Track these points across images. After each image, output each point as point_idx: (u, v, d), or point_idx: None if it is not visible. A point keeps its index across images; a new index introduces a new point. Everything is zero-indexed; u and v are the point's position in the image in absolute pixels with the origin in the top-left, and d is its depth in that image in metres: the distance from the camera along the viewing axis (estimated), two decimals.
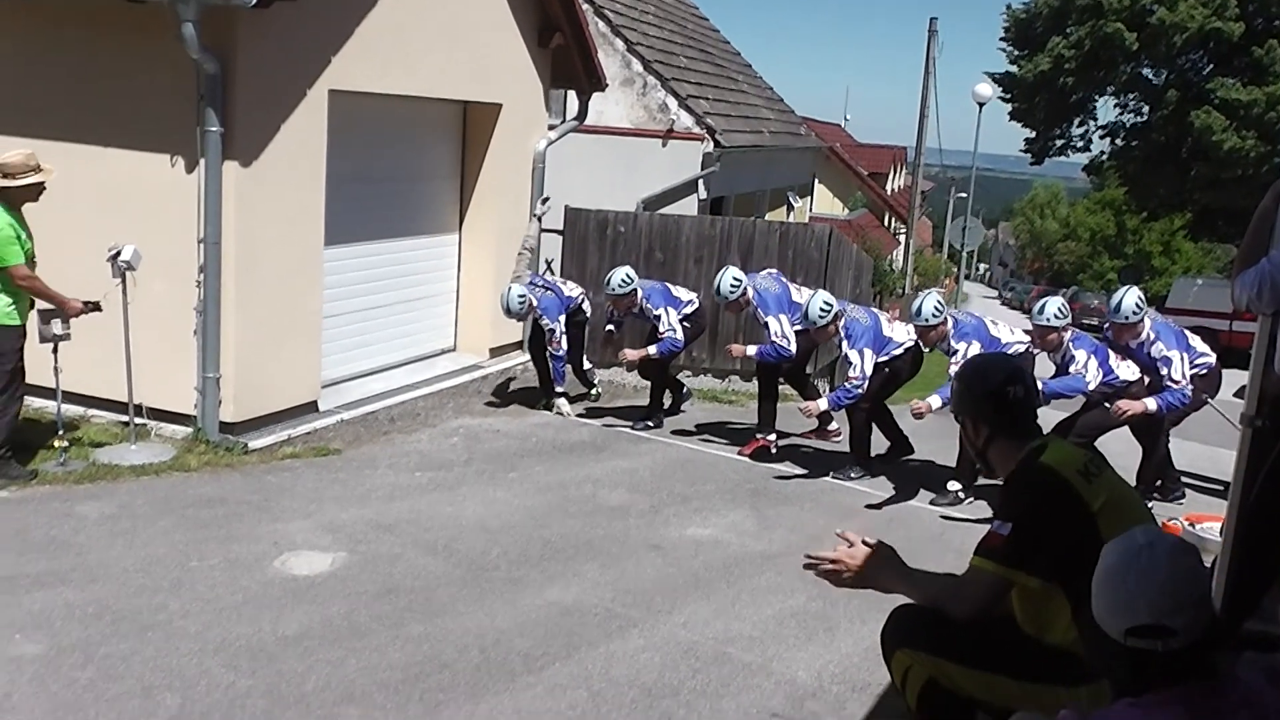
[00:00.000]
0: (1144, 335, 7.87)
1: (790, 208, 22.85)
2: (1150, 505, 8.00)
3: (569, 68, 11.76)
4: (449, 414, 9.46)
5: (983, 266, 76.76)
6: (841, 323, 8.17)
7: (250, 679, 4.54)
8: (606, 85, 12.61)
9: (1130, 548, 2.29)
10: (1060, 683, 3.06)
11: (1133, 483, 8.10)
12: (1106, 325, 8.10)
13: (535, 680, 4.69)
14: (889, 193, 42.93)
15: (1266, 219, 3.54)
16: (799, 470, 8.61)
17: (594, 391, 10.44)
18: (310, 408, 8.70)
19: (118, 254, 7.09)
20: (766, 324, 8.63)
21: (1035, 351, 7.94)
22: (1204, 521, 7.52)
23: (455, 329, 11.25)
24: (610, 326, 9.92)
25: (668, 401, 10.01)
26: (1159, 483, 8.55)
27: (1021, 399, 3.37)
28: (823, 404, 8.15)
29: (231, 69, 7.47)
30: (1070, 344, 7.76)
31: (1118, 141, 37.05)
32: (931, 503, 7.95)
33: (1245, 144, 30.76)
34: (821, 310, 8.12)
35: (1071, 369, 7.70)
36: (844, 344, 8.13)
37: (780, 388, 9.23)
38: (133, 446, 7.42)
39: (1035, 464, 3.18)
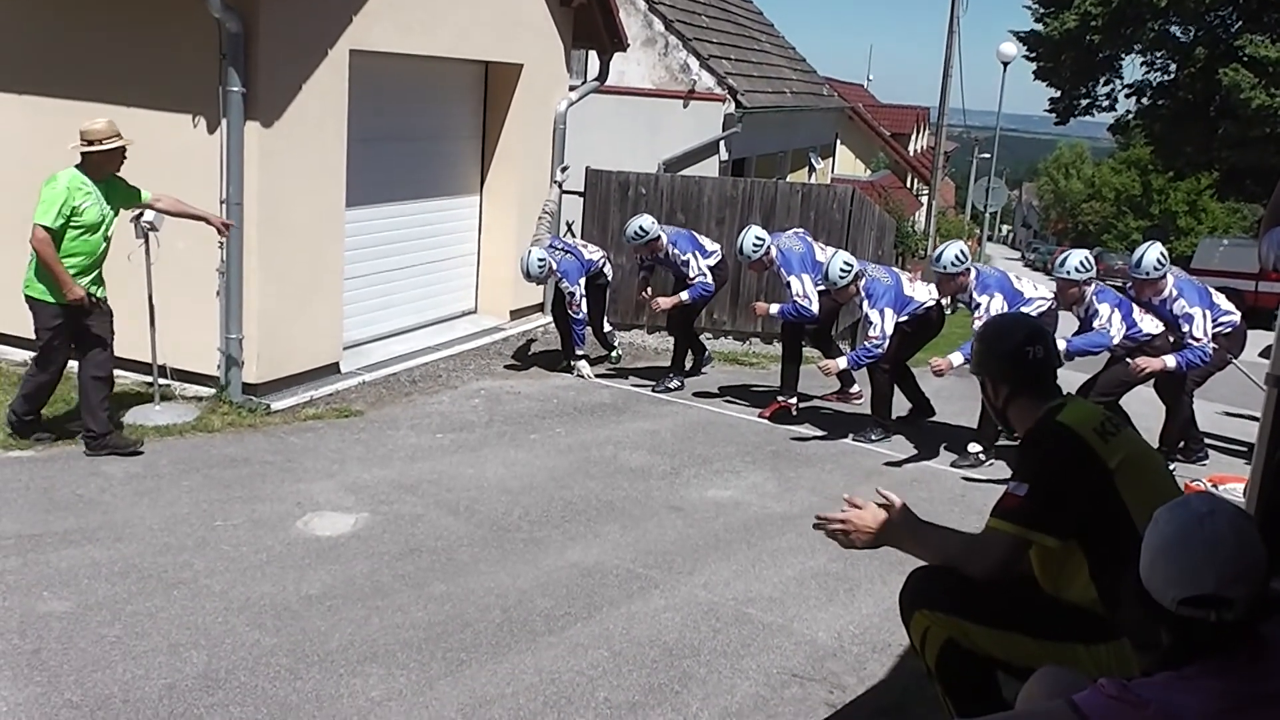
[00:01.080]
0: (1166, 292, 7.79)
1: (812, 169, 22.71)
2: (1173, 466, 8.04)
3: (590, 27, 11.68)
4: (470, 376, 9.47)
5: (1006, 228, 76.18)
6: (862, 283, 8.13)
7: (275, 637, 4.58)
8: (628, 45, 12.52)
9: (1190, 516, 2.21)
10: (1079, 640, 3.05)
11: (1156, 444, 8.09)
12: (1129, 283, 8.03)
13: (557, 640, 4.71)
14: (912, 154, 42.55)
15: None
16: (819, 432, 8.60)
17: (614, 354, 10.43)
18: (332, 369, 8.72)
19: (140, 214, 7.11)
20: (789, 283, 8.60)
21: (1058, 308, 7.88)
22: (1228, 483, 7.47)
23: (476, 291, 11.26)
24: (643, 273, 9.92)
25: (689, 363, 10.00)
26: (1182, 444, 8.50)
27: (1041, 359, 3.35)
28: (842, 363, 8.15)
29: (254, 28, 7.45)
30: (1094, 298, 7.69)
31: (1144, 100, 36.51)
32: (953, 464, 7.94)
33: (1274, 101, 30.29)
34: (841, 271, 8.08)
35: (1095, 324, 7.64)
36: (864, 304, 8.10)
37: (804, 350, 9.20)
38: (156, 407, 7.46)
39: (1051, 422, 3.17)
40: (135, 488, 6.20)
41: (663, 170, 14.04)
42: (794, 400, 8.96)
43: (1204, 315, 7.74)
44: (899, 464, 7.87)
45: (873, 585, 5.49)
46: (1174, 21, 34.43)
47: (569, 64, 11.74)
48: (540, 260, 9.37)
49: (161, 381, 7.60)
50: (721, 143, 15.49)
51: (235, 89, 7.43)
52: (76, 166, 6.46)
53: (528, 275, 9.44)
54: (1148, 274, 7.74)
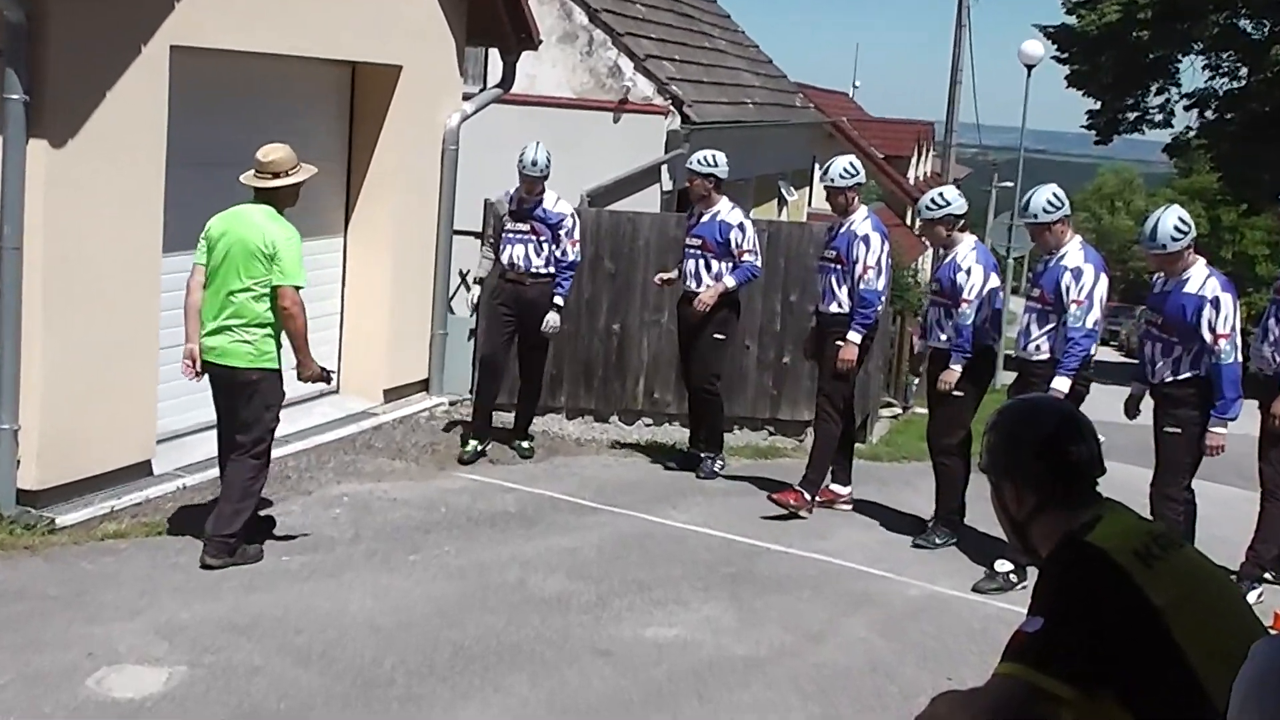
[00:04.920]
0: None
1: (783, 202, 22.95)
2: (1259, 592, 8.10)
3: (490, 18, 11.78)
4: (329, 477, 9.41)
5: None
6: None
7: None
8: (540, 42, 12.62)
9: None
10: None
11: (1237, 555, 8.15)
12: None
13: None
14: (912, 181, 43.27)
15: None
16: (789, 547, 8.64)
17: (526, 445, 10.48)
18: (142, 469, 8.59)
19: None
20: (858, 259, 9.14)
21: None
22: None
23: (339, 364, 11.15)
24: (673, 274, 10.31)
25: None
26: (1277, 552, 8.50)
27: (1085, 460, 3.33)
28: (855, 337, 9.04)
29: (41, 17, 7.41)
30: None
31: (1207, 113, 37.25)
32: (974, 588, 8.00)
33: None
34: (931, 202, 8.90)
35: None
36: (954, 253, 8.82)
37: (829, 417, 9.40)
38: None
39: (1077, 544, 3.16)
40: None
41: (586, 204, 14.09)
42: (811, 499, 9.26)
43: None
44: (901, 589, 7.87)
45: None
46: (1243, 14, 35.13)
47: (462, 66, 11.79)
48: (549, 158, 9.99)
49: None
50: (663, 168, 15.60)
51: (15, 96, 7.38)
52: (265, 204, 7.29)
53: (534, 163, 9.89)
54: (1164, 246, 7.87)
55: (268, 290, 7.17)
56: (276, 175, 7.29)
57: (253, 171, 7.34)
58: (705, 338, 9.97)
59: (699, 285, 9.88)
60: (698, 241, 9.93)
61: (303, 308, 7.28)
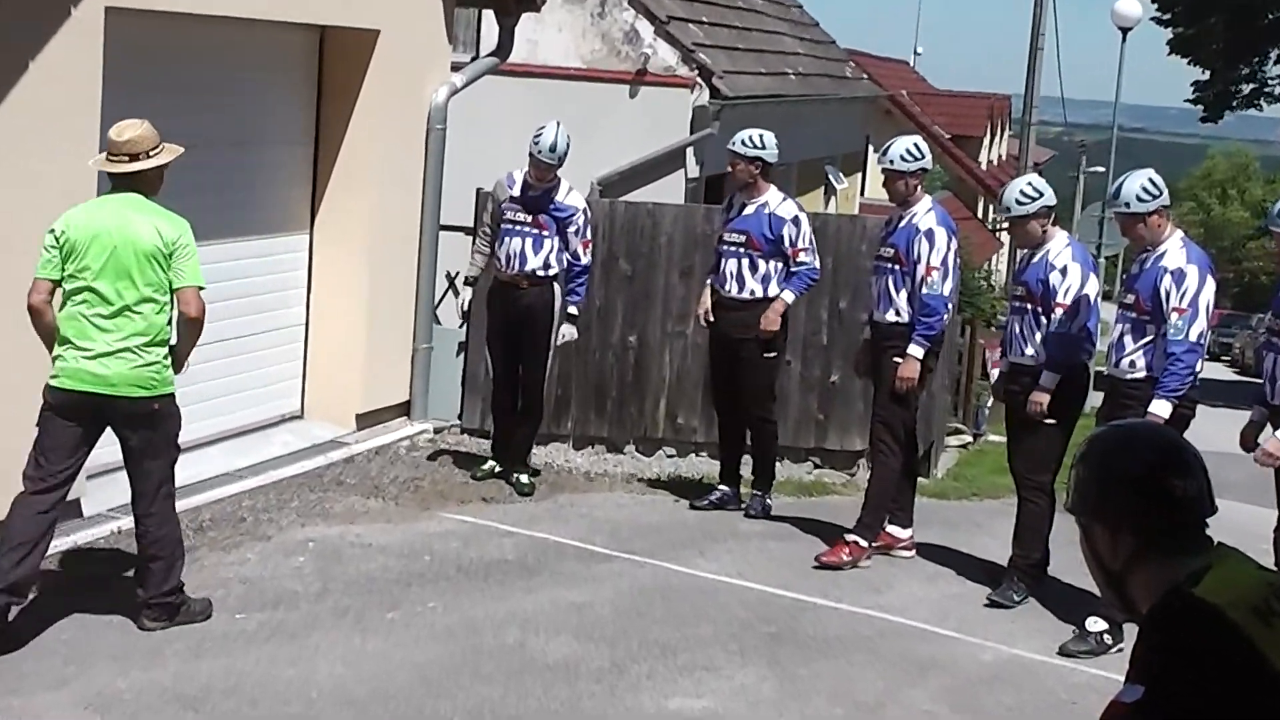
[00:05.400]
0: None
1: (831, 191, 22.92)
2: None
3: None
4: (292, 518, 9.39)
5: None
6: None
7: None
8: (544, 1, 12.62)
9: None
10: None
11: None
12: None
13: None
14: (984, 166, 43.24)
15: None
16: (841, 602, 8.61)
17: (525, 480, 10.48)
18: (70, 510, 8.54)
19: None
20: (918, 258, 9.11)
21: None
22: None
23: (303, 384, 11.20)
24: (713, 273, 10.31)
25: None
26: None
27: (1192, 497, 3.29)
28: (917, 351, 9.02)
29: None
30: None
31: None
32: (1060, 651, 7.96)
33: None
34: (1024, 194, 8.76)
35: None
36: (1052, 251, 8.66)
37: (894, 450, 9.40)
38: None
39: (1184, 597, 3.12)
40: None
41: (598, 194, 14.10)
42: (864, 544, 9.23)
43: None
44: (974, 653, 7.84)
45: None
46: None
47: (452, 31, 11.78)
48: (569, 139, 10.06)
49: None
50: (689, 151, 15.57)
51: None
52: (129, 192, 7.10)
53: (552, 149, 9.96)
54: (1128, 205, 8.07)
55: (168, 299, 7.06)
56: (136, 157, 7.08)
57: (105, 155, 7.19)
58: (752, 356, 9.92)
59: (741, 290, 9.86)
60: (740, 237, 9.89)
61: (202, 309, 7.18)
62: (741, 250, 9.87)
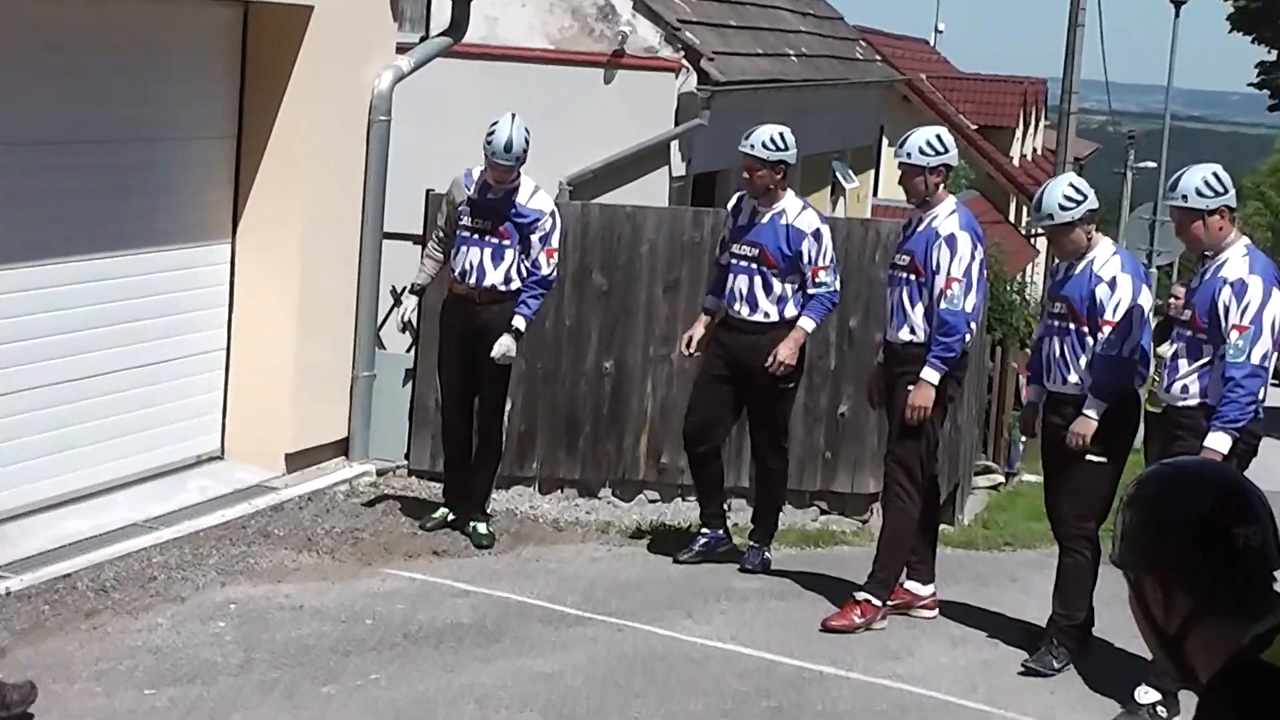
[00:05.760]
0: None
1: (839, 190, 22.98)
2: None
3: None
4: (211, 576, 9.39)
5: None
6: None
7: None
8: None
9: None
10: None
11: None
12: None
13: None
14: (1016, 161, 43.43)
15: None
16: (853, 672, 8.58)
17: (484, 529, 10.48)
18: None
19: None
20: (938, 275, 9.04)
21: None
22: None
23: (223, 419, 11.25)
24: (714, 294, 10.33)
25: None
26: None
27: (1256, 548, 3.25)
28: (932, 375, 8.91)
29: None
30: None
31: None
32: None
33: None
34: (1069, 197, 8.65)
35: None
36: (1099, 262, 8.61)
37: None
38: None
39: (1251, 664, 3.09)
40: None
41: (568, 195, 14.09)
42: (876, 603, 9.23)
43: None
44: None
45: None
46: None
47: (397, 7, 11.81)
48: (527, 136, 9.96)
49: None
50: (674, 145, 15.60)
51: None
52: None
53: (507, 148, 9.87)
54: (1185, 199, 8.07)
55: None
56: None
57: None
58: (765, 386, 9.87)
59: (753, 312, 9.81)
60: (753, 251, 9.83)
61: None
62: (754, 267, 9.82)
